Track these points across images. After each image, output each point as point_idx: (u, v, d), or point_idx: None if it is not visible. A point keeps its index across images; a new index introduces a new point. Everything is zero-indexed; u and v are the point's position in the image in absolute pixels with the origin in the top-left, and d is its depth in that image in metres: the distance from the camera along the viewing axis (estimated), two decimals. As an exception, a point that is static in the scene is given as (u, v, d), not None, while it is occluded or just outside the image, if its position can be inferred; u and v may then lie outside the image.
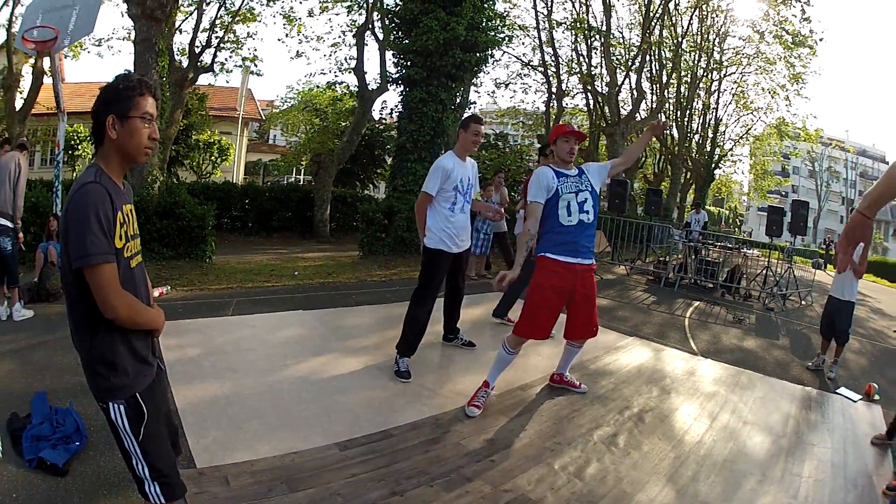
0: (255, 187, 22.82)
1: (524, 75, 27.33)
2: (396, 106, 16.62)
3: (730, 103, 32.69)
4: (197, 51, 18.53)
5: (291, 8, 26.44)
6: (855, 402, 6.12)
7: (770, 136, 32.65)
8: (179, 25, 18.98)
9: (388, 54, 17.50)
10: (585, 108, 27.32)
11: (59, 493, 3.12)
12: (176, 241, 10.63)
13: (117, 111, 2.10)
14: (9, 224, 6.32)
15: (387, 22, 17.28)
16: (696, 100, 31.04)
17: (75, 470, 3.33)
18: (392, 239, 13.40)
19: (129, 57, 24.32)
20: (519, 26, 24.79)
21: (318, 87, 26.02)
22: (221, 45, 19.87)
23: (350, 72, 20.00)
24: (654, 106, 27.56)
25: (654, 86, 28.09)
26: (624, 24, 34.44)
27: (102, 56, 50.88)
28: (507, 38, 20.44)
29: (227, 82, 28.77)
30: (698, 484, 3.78)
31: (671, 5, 24.63)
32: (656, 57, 27.12)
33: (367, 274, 10.93)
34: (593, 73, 25.19)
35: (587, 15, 24.13)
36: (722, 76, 30.90)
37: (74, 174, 21.26)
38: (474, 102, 18.41)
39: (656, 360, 6.85)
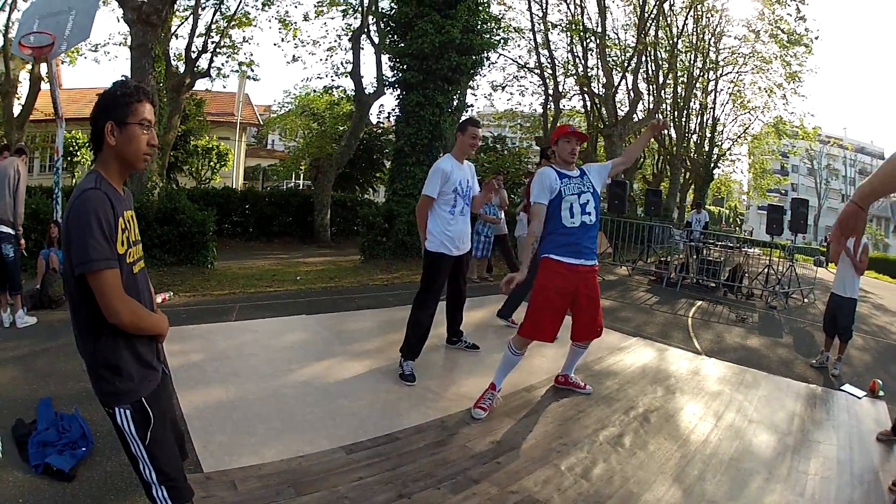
0: (254, 192, 22.85)
1: (520, 78, 27.34)
2: (394, 110, 16.67)
3: (727, 103, 32.79)
4: (193, 56, 18.56)
5: (287, 12, 26.46)
6: (860, 398, 6.11)
7: (768, 135, 32.66)
8: (175, 30, 18.97)
9: (384, 58, 17.50)
10: (583, 110, 27.34)
11: (65, 499, 3.11)
12: (177, 246, 10.63)
13: (115, 118, 2.10)
14: (10, 231, 6.32)
15: (382, 25, 17.28)
16: (693, 100, 31.09)
17: (82, 475, 3.33)
18: (393, 243, 13.41)
19: (125, 62, 24.48)
20: (514, 28, 24.79)
21: (315, 91, 26.07)
22: (218, 49, 19.93)
23: (347, 76, 20.04)
24: (651, 106, 27.57)
25: (651, 86, 28.11)
26: (619, 25, 34.25)
27: (99, 62, 50.99)
28: (502, 41, 20.39)
29: (225, 87, 28.79)
30: (705, 483, 3.78)
31: (666, 6, 24.66)
32: (652, 57, 27.13)
33: (368, 278, 10.93)
34: (590, 74, 25.19)
35: (582, 16, 24.19)
36: (718, 76, 30.97)
37: (74, 181, 21.31)
38: (471, 105, 18.39)
39: (660, 360, 6.84)
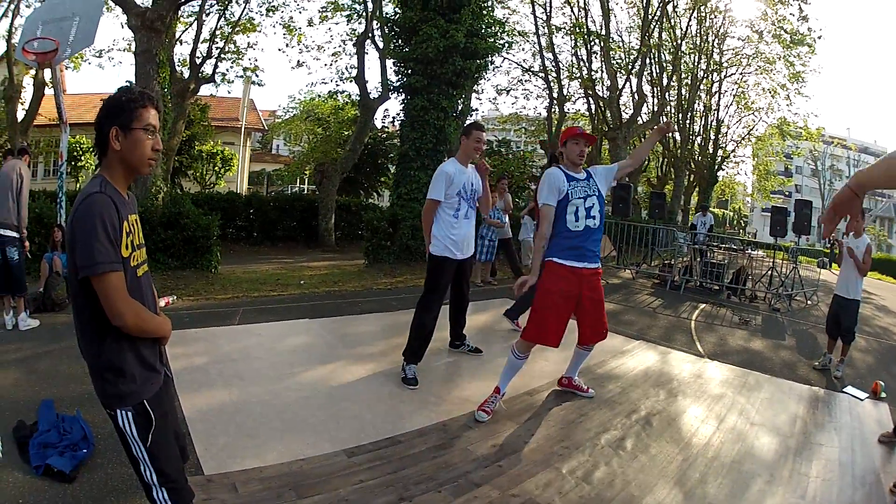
0: (259, 197, 22.86)
1: (525, 81, 27.34)
2: (398, 114, 16.64)
3: (731, 104, 32.76)
4: (198, 61, 18.62)
5: (291, 18, 26.39)
6: (862, 400, 6.11)
7: (772, 136, 32.58)
8: (180, 36, 19.11)
9: (389, 63, 17.54)
10: (587, 113, 27.33)
11: (66, 500, 3.13)
12: (181, 251, 10.66)
13: (120, 123, 2.12)
14: (14, 234, 6.35)
15: (386, 30, 17.33)
16: (697, 102, 31.08)
17: (82, 477, 3.35)
18: (397, 247, 13.41)
19: (130, 68, 24.51)
20: (518, 32, 24.80)
21: (319, 96, 26.09)
22: (222, 55, 19.97)
23: (351, 81, 20.10)
24: (655, 109, 27.59)
25: (655, 89, 28.13)
26: (623, 28, 34.36)
27: (103, 67, 51.01)
28: (506, 45, 20.42)
29: (229, 93, 28.76)
30: (706, 486, 3.78)
31: (669, 7, 24.68)
32: (656, 60, 27.16)
33: (372, 282, 10.94)
34: (594, 77, 25.21)
35: (586, 19, 24.20)
36: (722, 77, 30.95)
37: (78, 185, 21.37)
38: (476, 109, 18.34)
39: (663, 363, 6.84)
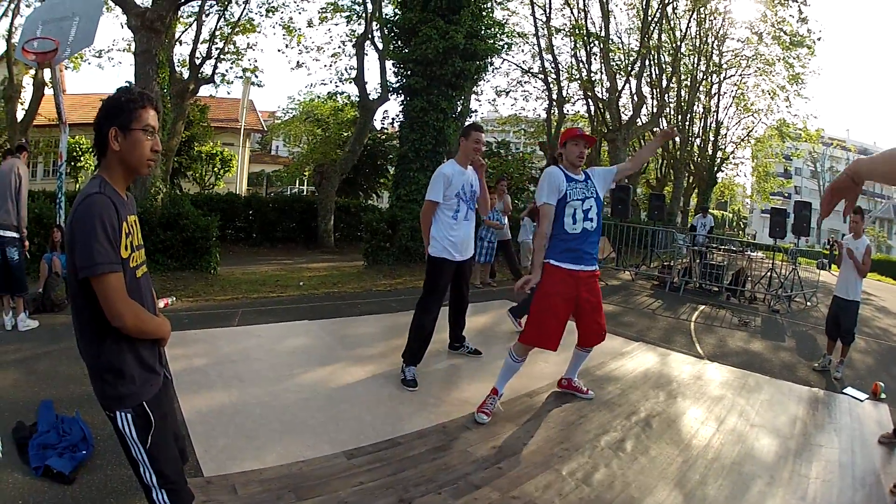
0: (258, 198, 22.88)
1: (524, 83, 27.37)
2: (398, 115, 16.63)
3: (730, 106, 32.82)
4: (197, 62, 18.61)
5: (291, 18, 26.42)
6: (862, 401, 6.11)
7: (771, 138, 32.64)
8: (179, 37, 19.11)
9: (388, 64, 17.54)
10: (586, 115, 27.34)
11: (65, 501, 3.13)
12: (180, 252, 10.65)
13: (119, 123, 2.12)
14: (14, 235, 6.34)
15: (386, 31, 17.32)
16: (696, 103, 31.12)
17: (82, 478, 3.34)
18: (396, 248, 13.41)
19: (129, 68, 24.53)
20: (518, 34, 24.81)
21: (319, 97, 26.09)
22: (222, 56, 19.98)
23: (351, 82, 20.10)
24: (654, 110, 27.60)
25: (655, 90, 28.17)
26: (623, 30, 34.48)
27: (103, 67, 51.10)
28: (506, 46, 20.45)
29: (229, 93, 28.89)
30: (706, 488, 3.77)
31: (669, 9, 24.69)
32: (656, 61, 27.19)
33: (371, 283, 10.94)
34: (593, 78, 25.21)
35: (586, 21, 24.20)
36: (722, 79, 31.01)
37: (77, 185, 21.36)
38: (475, 111, 18.34)
39: (662, 364, 6.84)
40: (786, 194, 52.98)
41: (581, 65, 25.23)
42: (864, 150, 60.51)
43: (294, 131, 31.65)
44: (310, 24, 22.54)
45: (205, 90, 20.54)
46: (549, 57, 24.58)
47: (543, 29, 24.19)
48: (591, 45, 24.48)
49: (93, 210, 2.00)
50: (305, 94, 30.96)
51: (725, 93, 32.06)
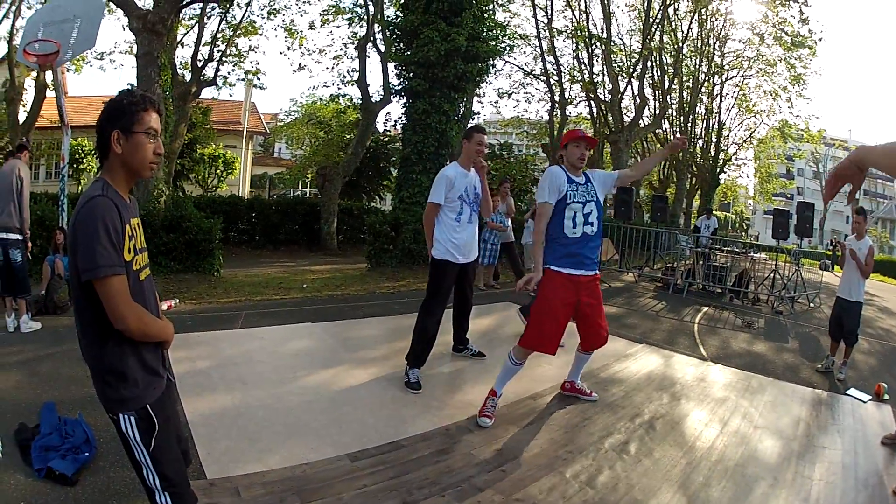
0: (261, 200, 22.90)
1: (526, 84, 27.41)
2: (400, 118, 16.65)
3: (732, 107, 32.78)
4: (199, 64, 18.69)
5: (292, 21, 26.51)
6: (865, 402, 6.09)
7: (773, 139, 32.63)
8: (181, 39, 19.18)
9: (391, 66, 17.57)
10: (589, 116, 27.36)
11: (67, 503, 3.13)
12: (183, 254, 10.67)
13: (122, 126, 2.12)
14: (17, 237, 6.35)
15: (388, 34, 17.33)
16: (698, 105, 31.10)
17: (84, 480, 3.34)
18: (399, 251, 13.41)
19: (131, 71, 24.55)
20: (520, 36, 24.82)
21: (321, 99, 26.16)
22: (224, 58, 20.06)
23: (353, 84, 20.14)
24: (656, 112, 27.59)
25: (657, 92, 28.16)
26: (624, 31, 34.45)
27: (105, 70, 51.26)
28: (508, 48, 20.47)
29: (231, 96, 29.02)
30: (710, 490, 3.76)
31: (670, 10, 24.69)
32: (657, 63, 27.18)
33: (375, 286, 10.94)
34: (595, 80, 25.22)
35: (587, 23, 24.19)
36: (723, 80, 30.98)
37: (80, 188, 21.40)
38: (478, 113, 18.44)
39: (666, 366, 6.82)
40: (788, 195, 52.99)
41: (583, 66, 25.26)
42: (867, 150, 60.51)
43: (297, 134, 31.75)
44: (311, 26, 22.49)
45: (207, 92, 20.67)
46: (551, 59, 24.62)
47: (545, 31, 24.23)
48: (593, 46, 24.49)
49: (95, 212, 2.00)
50: (308, 97, 31.04)
51: (727, 94, 32.09)
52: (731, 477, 3.97)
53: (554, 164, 4.95)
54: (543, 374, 5.87)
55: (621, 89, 24.27)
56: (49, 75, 15.81)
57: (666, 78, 27.78)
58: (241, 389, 4.90)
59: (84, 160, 23.45)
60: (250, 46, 22.24)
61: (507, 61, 24.68)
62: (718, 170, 33.61)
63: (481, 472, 3.77)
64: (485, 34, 15.61)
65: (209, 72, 19.53)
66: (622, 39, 27.44)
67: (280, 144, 45.39)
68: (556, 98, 25.23)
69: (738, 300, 12.42)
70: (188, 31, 19.25)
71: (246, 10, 19.92)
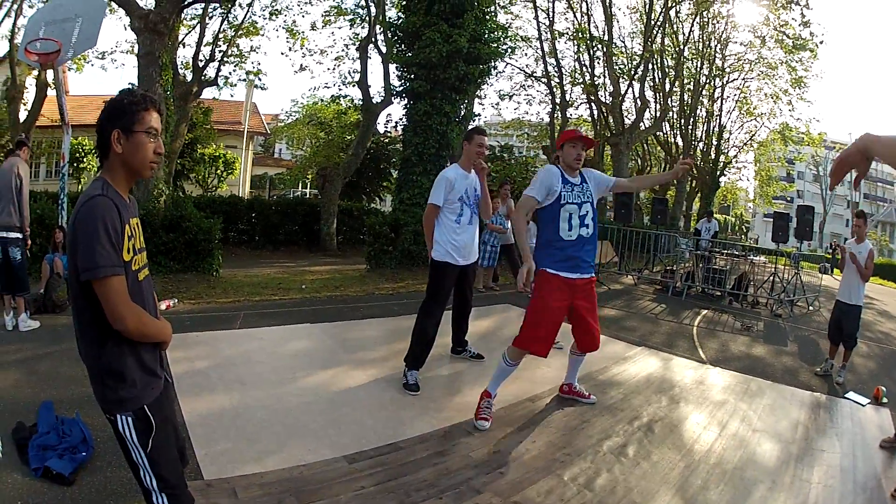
0: (261, 201, 22.87)
1: (528, 86, 27.45)
2: (401, 119, 16.62)
3: (733, 110, 32.79)
4: (201, 64, 18.69)
5: (294, 22, 26.67)
6: (863, 405, 6.09)
7: (774, 142, 32.63)
8: (183, 39, 19.18)
9: (392, 67, 17.54)
10: (589, 119, 27.38)
11: (65, 503, 3.13)
12: (182, 254, 10.65)
13: (122, 126, 2.11)
14: (17, 235, 6.35)
15: (389, 35, 17.32)
16: (699, 107, 31.11)
17: (82, 480, 3.34)
18: (399, 252, 13.39)
19: (132, 70, 24.54)
20: (521, 37, 24.82)
21: (322, 100, 26.14)
22: (225, 58, 20.06)
23: (354, 85, 20.09)
24: (657, 114, 27.60)
25: (658, 94, 28.17)
26: (626, 34, 34.42)
27: (106, 69, 51.20)
28: (509, 50, 20.46)
29: (232, 96, 29.09)
30: (708, 493, 3.76)
31: (672, 13, 24.69)
32: (659, 65, 27.20)
33: (374, 287, 10.93)
34: (596, 82, 25.24)
35: (589, 25, 24.22)
36: (724, 82, 30.97)
37: (80, 187, 21.41)
38: (479, 114, 18.45)
39: (665, 369, 6.82)
40: (788, 198, 53.01)
41: (584, 69, 25.30)
42: (868, 154, 60.60)
43: (297, 134, 31.77)
44: (313, 27, 22.57)
45: (208, 93, 20.68)
46: (553, 61, 24.64)
47: (546, 33, 24.25)
48: (594, 48, 24.52)
49: (95, 212, 1.99)
50: (308, 98, 31.00)
51: (728, 96, 32.11)
52: (730, 480, 3.97)
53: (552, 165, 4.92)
54: (542, 376, 5.87)
55: (622, 92, 24.30)
56: (50, 74, 15.82)
57: (667, 80, 27.80)
58: (239, 390, 4.89)
59: (84, 159, 23.45)
60: (252, 47, 22.40)
61: (508, 63, 24.73)
62: (718, 173, 33.60)
63: (479, 474, 3.76)
64: (486, 36, 15.61)
65: (210, 72, 19.56)
66: (623, 42, 27.54)
67: (280, 145, 45.41)
68: (557, 100, 25.26)
69: (737, 303, 12.42)
70: (190, 31, 19.27)
71: (248, 11, 19.96)
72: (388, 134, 24.33)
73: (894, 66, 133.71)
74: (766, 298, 12.71)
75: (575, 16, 24.71)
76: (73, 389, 4.59)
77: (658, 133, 29.84)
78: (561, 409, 5.11)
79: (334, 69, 37.42)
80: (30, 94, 20.44)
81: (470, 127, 11.51)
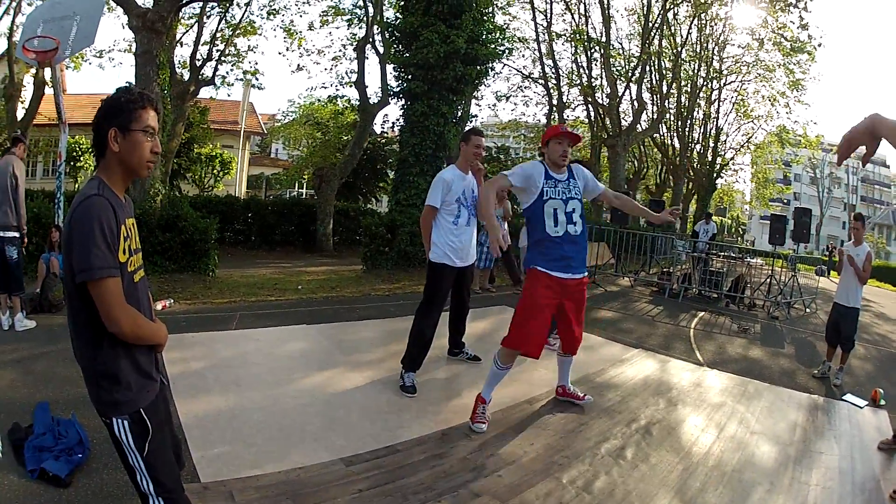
0: (257, 201, 22.86)
1: (525, 88, 27.49)
2: (398, 119, 16.61)
3: (730, 112, 32.80)
4: (198, 64, 18.67)
5: (292, 21, 26.55)
6: (861, 407, 6.10)
7: (771, 144, 32.68)
8: (180, 38, 19.16)
9: (389, 68, 17.54)
10: (587, 120, 27.39)
11: (61, 505, 3.10)
12: (178, 254, 10.62)
13: (119, 124, 2.09)
14: (14, 234, 6.33)
15: (387, 35, 17.31)
16: (696, 109, 31.13)
17: (78, 482, 3.32)
18: (395, 253, 13.37)
19: (130, 69, 24.52)
20: (519, 39, 24.86)
21: (319, 100, 26.13)
22: (222, 58, 20.06)
23: (351, 85, 20.11)
24: (654, 116, 27.63)
25: (655, 96, 28.20)
26: (623, 35, 34.52)
27: (104, 68, 51.10)
28: (507, 51, 20.41)
29: (229, 96, 28.99)
30: (706, 495, 3.75)
31: (670, 15, 24.73)
32: (656, 67, 27.22)
33: (370, 288, 10.90)
34: (594, 84, 25.27)
35: (587, 26, 24.29)
36: (722, 85, 31.02)
37: (77, 185, 21.37)
38: (476, 115, 18.41)
39: (662, 371, 6.81)
40: (785, 200, 53.04)
41: (581, 70, 25.35)
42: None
43: (294, 134, 31.71)
44: (311, 27, 22.55)
45: (205, 92, 20.69)
46: (550, 62, 24.71)
47: (544, 34, 24.31)
48: (592, 50, 24.56)
49: (91, 212, 1.97)
50: (305, 98, 30.98)
51: (725, 99, 32.13)
52: (728, 482, 3.96)
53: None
54: (540, 378, 5.85)
55: (619, 93, 24.36)
56: (48, 72, 15.77)
57: (664, 82, 27.82)
58: (235, 391, 4.87)
59: (81, 158, 23.42)
60: (249, 46, 22.33)
61: (505, 64, 24.80)
62: (715, 174, 33.63)
63: (478, 476, 3.74)
64: (484, 37, 15.59)
65: (208, 71, 19.55)
66: (621, 43, 27.62)
67: (277, 145, 45.39)
68: (555, 101, 25.29)
69: (733, 305, 12.43)
70: (187, 31, 19.24)
71: (245, 10, 19.94)
72: (385, 134, 24.30)
73: (892, 69, 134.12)
74: (762, 300, 12.73)
75: (573, 17, 24.79)
76: (69, 390, 4.57)
77: (655, 135, 29.86)
78: (558, 411, 5.09)
79: (331, 69, 37.53)
80: (27, 93, 20.42)
81: (467, 128, 11.51)
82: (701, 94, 30.47)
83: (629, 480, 3.87)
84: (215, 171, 26.88)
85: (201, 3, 17.23)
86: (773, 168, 38.50)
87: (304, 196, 32.53)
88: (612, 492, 3.69)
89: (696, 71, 29.28)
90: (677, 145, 31.50)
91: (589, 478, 3.86)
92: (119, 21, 18.15)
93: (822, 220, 59.43)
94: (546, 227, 4.52)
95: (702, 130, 33.45)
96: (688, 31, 26.88)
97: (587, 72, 25.16)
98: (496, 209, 10.54)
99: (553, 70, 24.84)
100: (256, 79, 21.82)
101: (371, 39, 18.80)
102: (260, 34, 21.04)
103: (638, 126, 24.67)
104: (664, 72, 27.66)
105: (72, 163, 22.88)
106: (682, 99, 30.05)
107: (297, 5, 23.40)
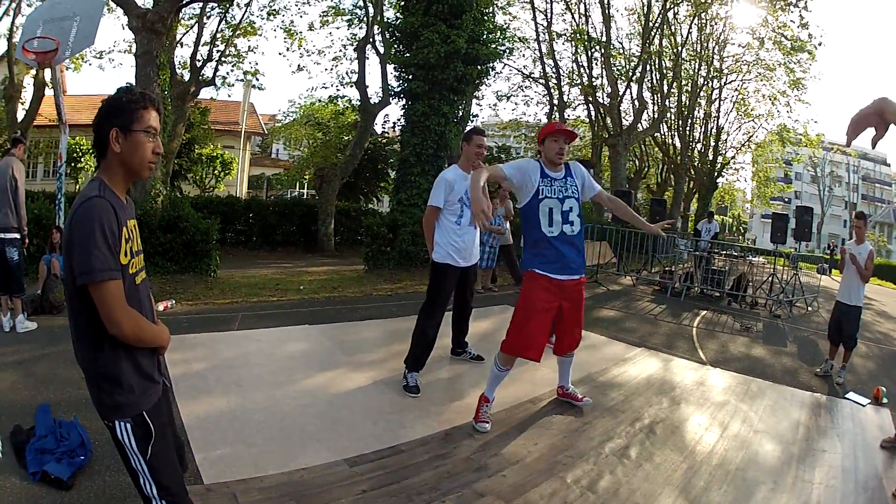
0: (258, 201, 22.88)
1: (525, 87, 27.45)
2: (399, 119, 16.62)
3: (731, 111, 32.73)
4: (198, 64, 18.69)
5: (292, 22, 26.56)
6: (864, 406, 6.10)
7: (772, 143, 32.64)
8: (180, 39, 19.18)
9: (390, 68, 17.56)
10: (587, 120, 27.38)
11: (63, 508, 3.09)
12: (180, 255, 10.61)
13: (120, 124, 2.07)
14: (15, 235, 6.33)
15: (387, 35, 17.32)
16: (697, 109, 31.08)
17: (80, 485, 3.30)
18: (397, 253, 13.36)
19: (130, 70, 24.54)
20: (519, 38, 24.84)
21: (320, 101, 26.12)
22: (223, 58, 20.08)
23: (352, 86, 20.12)
24: (655, 116, 27.61)
25: (656, 95, 28.17)
26: (624, 35, 34.47)
27: (104, 69, 51.09)
28: (507, 51, 20.42)
29: (230, 96, 29.05)
30: (710, 494, 3.74)
31: (670, 14, 24.71)
32: (657, 66, 27.19)
33: (372, 288, 10.89)
34: (594, 84, 25.24)
35: (587, 26, 24.26)
36: (722, 84, 30.96)
37: (77, 186, 21.38)
38: (476, 115, 18.38)
39: (665, 370, 6.80)
40: (786, 199, 53.04)
41: (582, 70, 25.32)
42: (865, 154, 60.73)
43: (294, 135, 31.68)
44: (311, 27, 22.56)
45: (205, 92, 20.69)
46: (550, 62, 24.69)
47: (544, 34, 24.29)
48: (592, 50, 24.53)
49: (92, 214, 1.95)
50: (306, 98, 30.96)
51: (726, 98, 32.05)
52: (732, 481, 3.95)
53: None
54: (543, 377, 5.83)
55: (620, 93, 24.33)
56: (48, 73, 15.76)
57: (665, 82, 27.79)
58: (237, 392, 4.86)
59: (82, 159, 23.44)
60: (249, 47, 22.27)
61: (506, 64, 24.76)
62: (716, 173, 33.59)
63: (482, 476, 3.73)
64: (485, 37, 15.59)
65: (208, 72, 19.56)
66: (621, 43, 27.56)
67: (278, 145, 45.36)
68: (555, 101, 25.28)
69: (735, 304, 12.41)
70: (187, 31, 19.25)
71: (245, 11, 19.96)
72: (386, 134, 24.32)
73: (893, 68, 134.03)
74: (764, 299, 12.71)
75: (573, 17, 24.77)
76: (70, 392, 4.55)
77: (656, 134, 29.85)
78: (562, 411, 5.08)
79: (332, 69, 37.55)
80: (27, 94, 20.43)
81: (468, 128, 11.50)
82: (701, 94, 30.42)
83: (633, 480, 3.86)
84: (216, 171, 26.87)
85: (201, 4, 17.25)
86: (773, 167, 38.46)
87: (305, 196, 32.54)
88: (617, 491, 3.68)
89: (696, 70, 29.23)
90: (678, 144, 31.47)
91: (593, 477, 3.85)
92: (119, 22, 18.21)
93: (824, 218, 59.40)
94: (541, 226, 4.47)
95: (703, 129, 33.41)
96: (688, 30, 26.89)
97: (588, 71, 25.15)
98: (498, 209, 10.58)
99: (553, 69, 24.85)
100: (257, 79, 21.89)
101: (371, 39, 18.81)
102: (260, 35, 21.11)
103: (639, 125, 24.66)
104: (665, 71, 27.64)
105: (72, 164, 22.90)
106: (683, 98, 30.01)
107: (297, 6, 23.35)
